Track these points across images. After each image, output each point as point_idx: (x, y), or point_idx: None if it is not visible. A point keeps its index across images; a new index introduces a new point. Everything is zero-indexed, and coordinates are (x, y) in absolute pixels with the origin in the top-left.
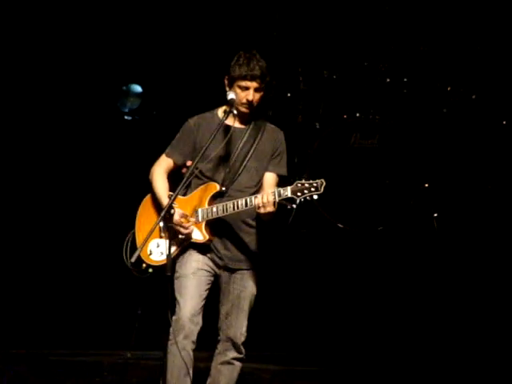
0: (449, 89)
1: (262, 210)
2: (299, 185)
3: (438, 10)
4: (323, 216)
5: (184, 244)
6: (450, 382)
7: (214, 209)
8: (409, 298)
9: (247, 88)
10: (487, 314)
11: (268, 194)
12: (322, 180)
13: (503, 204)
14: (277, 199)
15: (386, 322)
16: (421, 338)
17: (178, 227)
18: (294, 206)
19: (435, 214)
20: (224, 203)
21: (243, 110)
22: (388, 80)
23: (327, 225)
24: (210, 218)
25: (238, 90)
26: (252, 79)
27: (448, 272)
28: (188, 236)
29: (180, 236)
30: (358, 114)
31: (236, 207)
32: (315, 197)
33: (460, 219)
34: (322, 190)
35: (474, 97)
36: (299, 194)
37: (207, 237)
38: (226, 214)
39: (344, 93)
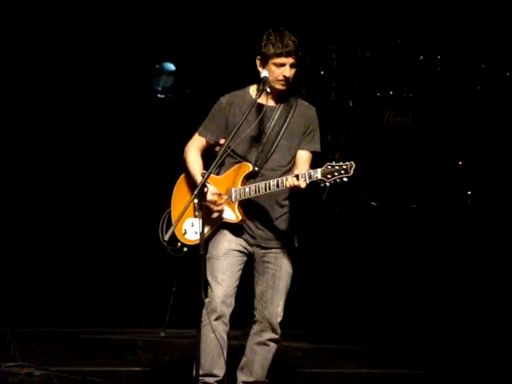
0: (483, 66)
1: (293, 190)
2: (329, 167)
3: None
4: (356, 194)
5: (217, 223)
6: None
7: (247, 189)
8: (442, 276)
9: (283, 65)
10: None
11: (298, 178)
12: (352, 162)
13: None
14: (307, 181)
15: (419, 299)
16: (455, 316)
17: (211, 205)
18: (328, 183)
19: (469, 192)
20: (256, 184)
21: (279, 87)
22: (421, 57)
23: (360, 203)
24: (243, 198)
25: (274, 68)
26: (288, 55)
27: (482, 250)
28: (219, 214)
29: (212, 215)
30: (391, 92)
31: (268, 188)
32: (345, 179)
33: (494, 197)
34: (352, 172)
35: (508, 74)
36: (329, 176)
37: (240, 217)
38: (258, 194)
39: (377, 70)
